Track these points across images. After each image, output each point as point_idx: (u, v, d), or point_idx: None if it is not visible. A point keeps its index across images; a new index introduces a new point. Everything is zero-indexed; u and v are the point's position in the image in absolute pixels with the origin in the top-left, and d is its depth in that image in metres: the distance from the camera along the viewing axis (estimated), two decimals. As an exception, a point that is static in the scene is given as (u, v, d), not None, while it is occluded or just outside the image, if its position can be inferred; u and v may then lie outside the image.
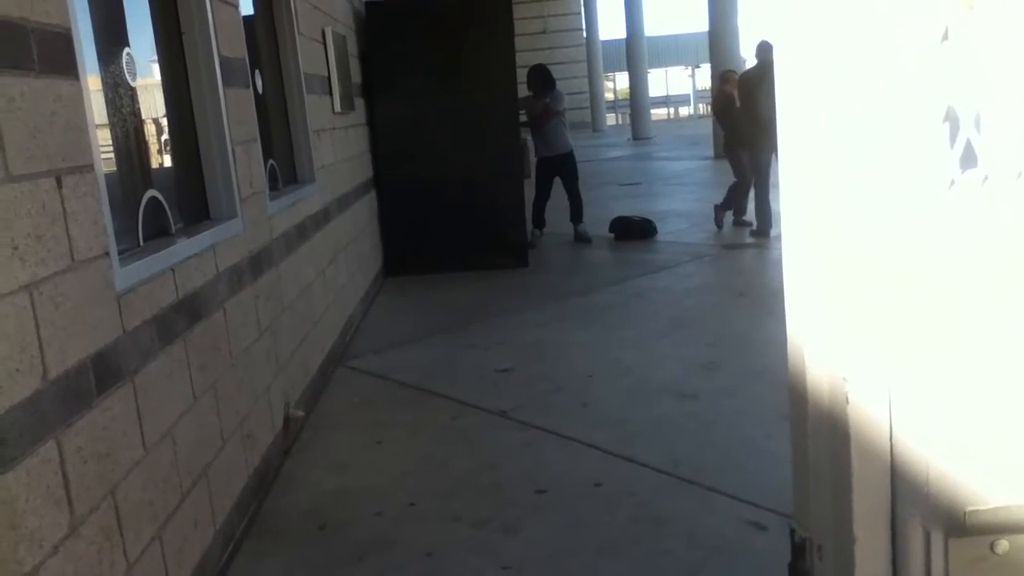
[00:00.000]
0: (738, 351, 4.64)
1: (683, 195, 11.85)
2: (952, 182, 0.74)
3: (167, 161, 3.11)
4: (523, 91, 7.96)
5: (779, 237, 7.46)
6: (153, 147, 2.99)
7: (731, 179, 8.48)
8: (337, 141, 5.63)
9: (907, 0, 0.72)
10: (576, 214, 8.39)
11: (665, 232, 8.48)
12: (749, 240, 7.92)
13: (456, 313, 5.90)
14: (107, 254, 2.14)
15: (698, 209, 9.99)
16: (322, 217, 4.91)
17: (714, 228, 8.41)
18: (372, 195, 6.95)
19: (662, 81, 40.49)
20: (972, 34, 0.72)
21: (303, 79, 4.67)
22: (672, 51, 37.89)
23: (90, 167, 2.09)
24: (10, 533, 1.66)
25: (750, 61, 9.16)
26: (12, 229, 1.74)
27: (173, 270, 2.57)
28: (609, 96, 37.68)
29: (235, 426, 3.01)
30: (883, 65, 0.73)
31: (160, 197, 2.75)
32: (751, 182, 7.99)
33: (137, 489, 2.19)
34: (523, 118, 7.98)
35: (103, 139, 2.40)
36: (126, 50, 2.63)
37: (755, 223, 7.95)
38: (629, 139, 24.80)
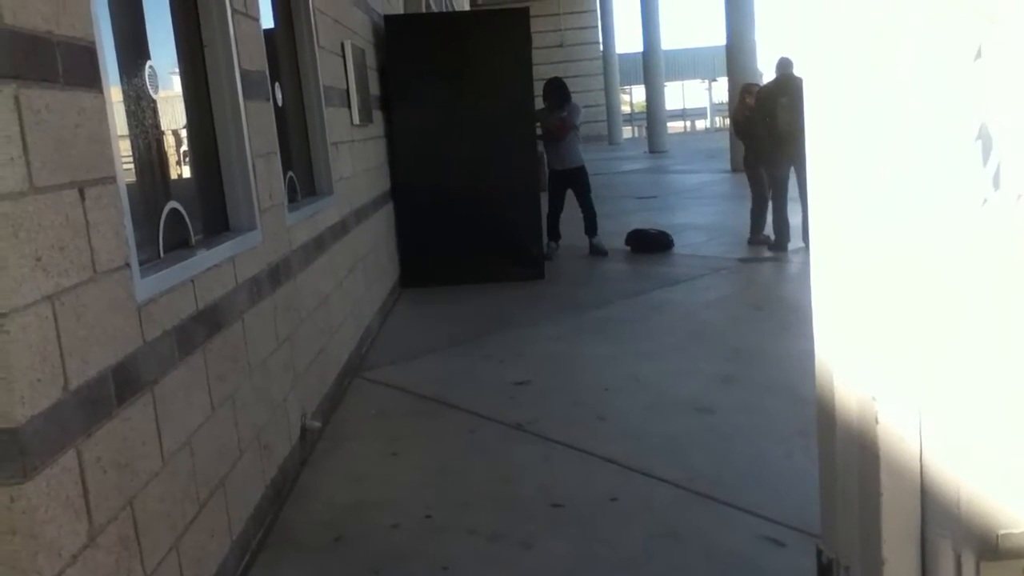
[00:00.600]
0: (755, 365, 4.62)
1: (700, 208, 11.82)
2: (985, 200, 0.73)
3: (187, 173, 3.13)
4: (539, 104, 7.98)
5: (796, 251, 7.43)
6: (174, 159, 3.01)
7: (747, 192, 8.47)
8: (355, 153, 5.65)
9: (939, 18, 0.71)
10: (591, 227, 8.39)
11: (682, 245, 8.47)
12: (767, 254, 7.90)
13: (473, 325, 5.90)
14: (128, 265, 2.15)
15: (715, 222, 9.96)
16: (340, 229, 4.92)
17: (733, 241, 8.41)
18: (390, 207, 6.98)
19: (679, 94, 40.54)
20: (1004, 52, 0.71)
21: (322, 92, 4.70)
22: (689, 64, 37.96)
23: (112, 179, 2.10)
24: (30, 542, 1.66)
25: (767, 75, 9.14)
26: (36, 240, 1.75)
27: (193, 281, 2.58)
28: (625, 109, 37.74)
29: (252, 437, 3.01)
30: (917, 83, 0.72)
31: (180, 208, 2.77)
32: (768, 198, 7.98)
33: (155, 499, 2.19)
34: (539, 131, 8.00)
35: (125, 151, 2.42)
36: (148, 63, 2.65)
37: (772, 237, 7.94)
38: (645, 152, 24.80)
